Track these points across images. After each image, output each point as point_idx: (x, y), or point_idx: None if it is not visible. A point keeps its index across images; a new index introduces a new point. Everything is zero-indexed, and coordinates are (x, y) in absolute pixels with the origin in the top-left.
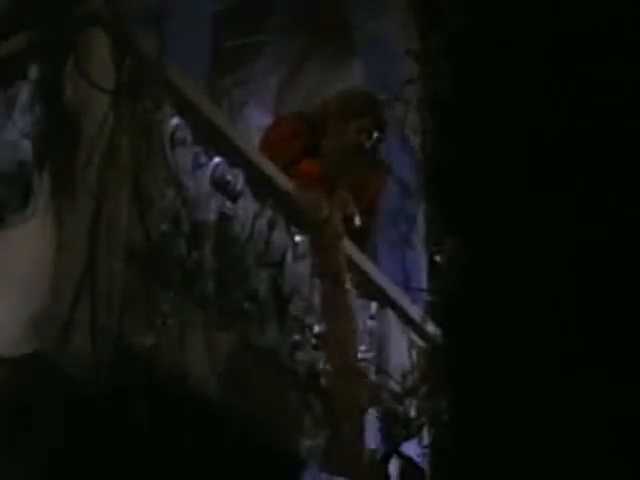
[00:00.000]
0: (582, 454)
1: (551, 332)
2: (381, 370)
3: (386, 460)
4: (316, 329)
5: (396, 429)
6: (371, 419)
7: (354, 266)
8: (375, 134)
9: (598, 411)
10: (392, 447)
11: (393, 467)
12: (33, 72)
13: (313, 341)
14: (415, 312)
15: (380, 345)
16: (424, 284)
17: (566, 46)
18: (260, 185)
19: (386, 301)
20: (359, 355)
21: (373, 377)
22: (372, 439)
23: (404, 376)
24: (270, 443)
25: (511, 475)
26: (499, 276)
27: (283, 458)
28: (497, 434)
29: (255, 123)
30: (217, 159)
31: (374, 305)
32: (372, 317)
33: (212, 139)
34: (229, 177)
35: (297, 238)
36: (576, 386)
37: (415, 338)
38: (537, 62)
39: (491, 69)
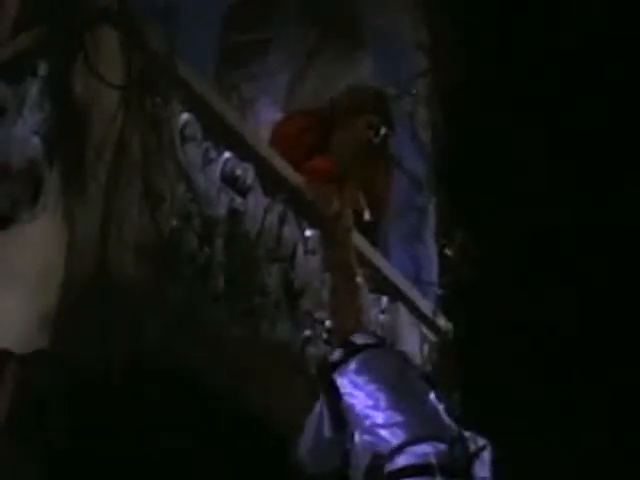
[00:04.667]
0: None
1: (558, 322)
2: None
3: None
4: (327, 324)
5: None
6: None
7: (365, 260)
8: (383, 129)
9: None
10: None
11: None
12: (43, 69)
13: (324, 336)
14: (426, 306)
15: (391, 339)
16: (435, 278)
17: (577, 44)
18: (270, 180)
19: (397, 295)
20: None
21: None
22: None
23: None
24: (281, 438)
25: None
26: (509, 269)
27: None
28: (509, 425)
29: (265, 118)
30: (227, 154)
31: (385, 299)
32: (383, 311)
33: (222, 134)
34: (239, 172)
35: (308, 232)
36: (577, 383)
37: (426, 332)
38: (547, 56)
39: (502, 63)
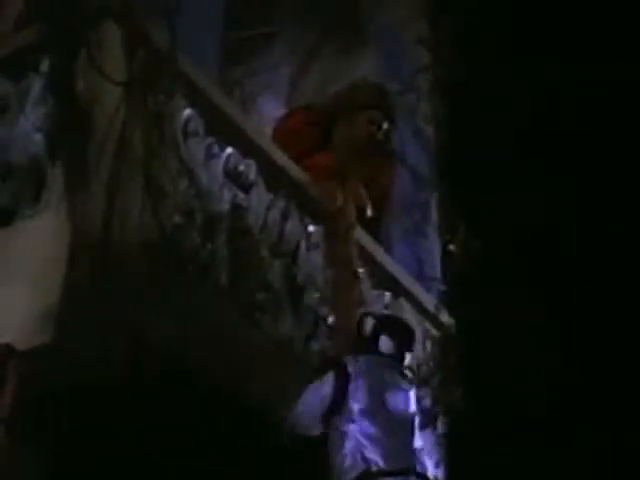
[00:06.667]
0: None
1: (563, 317)
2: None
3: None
4: (330, 320)
5: None
6: None
7: (368, 256)
8: (385, 125)
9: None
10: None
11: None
12: (45, 65)
13: (327, 331)
14: (429, 301)
15: None
16: (437, 273)
17: (578, 42)
18: (273, 175)
19: (400, 291)
20: None
21: None
22: None
23: (419, 366)
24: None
25: (525, 461)
26: (512, 265)
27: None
28: (510, 423)
29: (267, 113)
30: (230, 149)
31: (388, 295)
32: (386, 307)
33: (224, 130)
34: (242, 167)
35: (310, 228)
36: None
37: (429, 327)
38: (549, 52)
39: (503, 57)
